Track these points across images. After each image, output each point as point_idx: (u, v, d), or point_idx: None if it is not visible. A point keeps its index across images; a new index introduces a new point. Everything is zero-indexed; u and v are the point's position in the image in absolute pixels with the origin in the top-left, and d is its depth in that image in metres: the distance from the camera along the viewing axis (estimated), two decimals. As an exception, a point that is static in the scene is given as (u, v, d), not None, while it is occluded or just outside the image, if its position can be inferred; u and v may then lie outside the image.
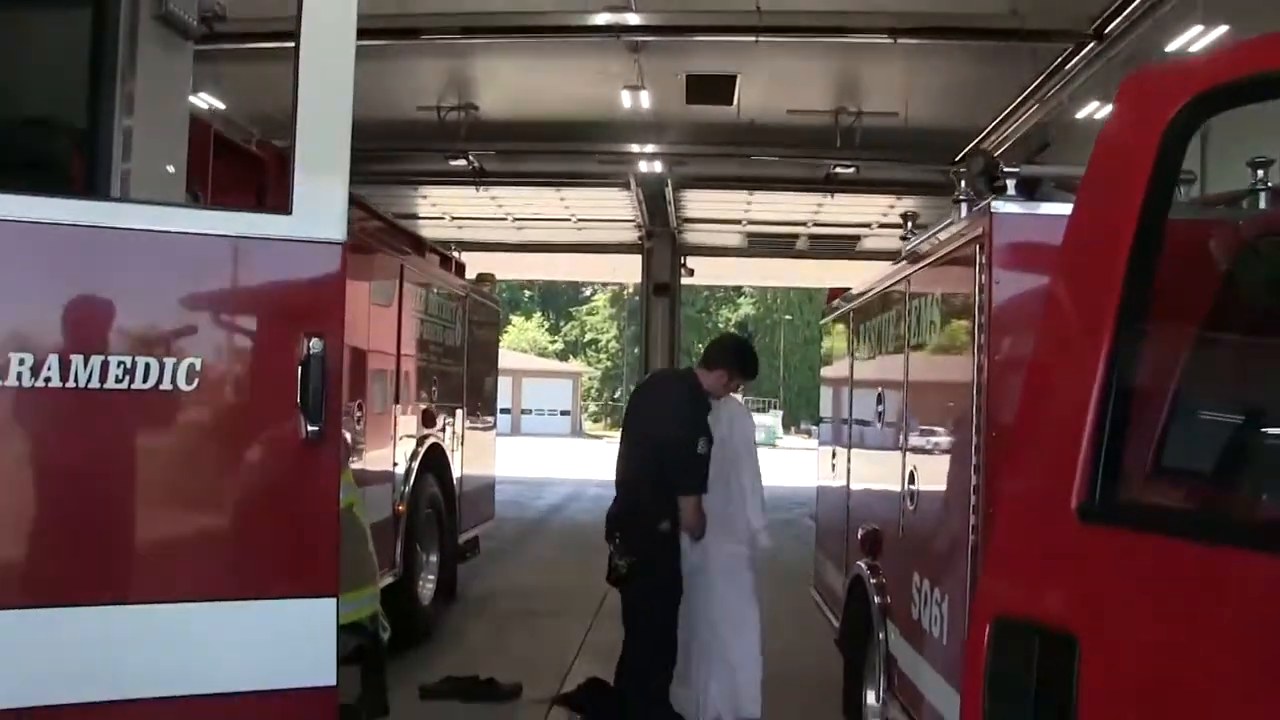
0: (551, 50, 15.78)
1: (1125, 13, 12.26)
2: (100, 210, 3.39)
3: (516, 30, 14.63)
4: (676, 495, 6.41)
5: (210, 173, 5.86)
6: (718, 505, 6.66)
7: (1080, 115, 14.84)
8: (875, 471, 6.48)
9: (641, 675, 6.47)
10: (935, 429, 5.12)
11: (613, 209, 25.14)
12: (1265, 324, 2.67)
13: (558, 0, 13.75)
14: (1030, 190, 4.29)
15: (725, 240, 28.48)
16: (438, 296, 10.34)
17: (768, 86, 16.73)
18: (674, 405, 6.65)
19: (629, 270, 30.48)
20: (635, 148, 19.77)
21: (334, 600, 3.57)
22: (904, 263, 5.87)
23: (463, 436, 11.05)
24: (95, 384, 3.21)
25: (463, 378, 11.08)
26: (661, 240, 26.44)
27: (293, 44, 3.45)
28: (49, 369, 3.15)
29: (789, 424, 67.35)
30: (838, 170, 19.90)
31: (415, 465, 9.24)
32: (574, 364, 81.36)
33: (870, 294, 6.84)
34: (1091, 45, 13.02)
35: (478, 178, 21.13)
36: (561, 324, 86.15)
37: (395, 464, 8.85)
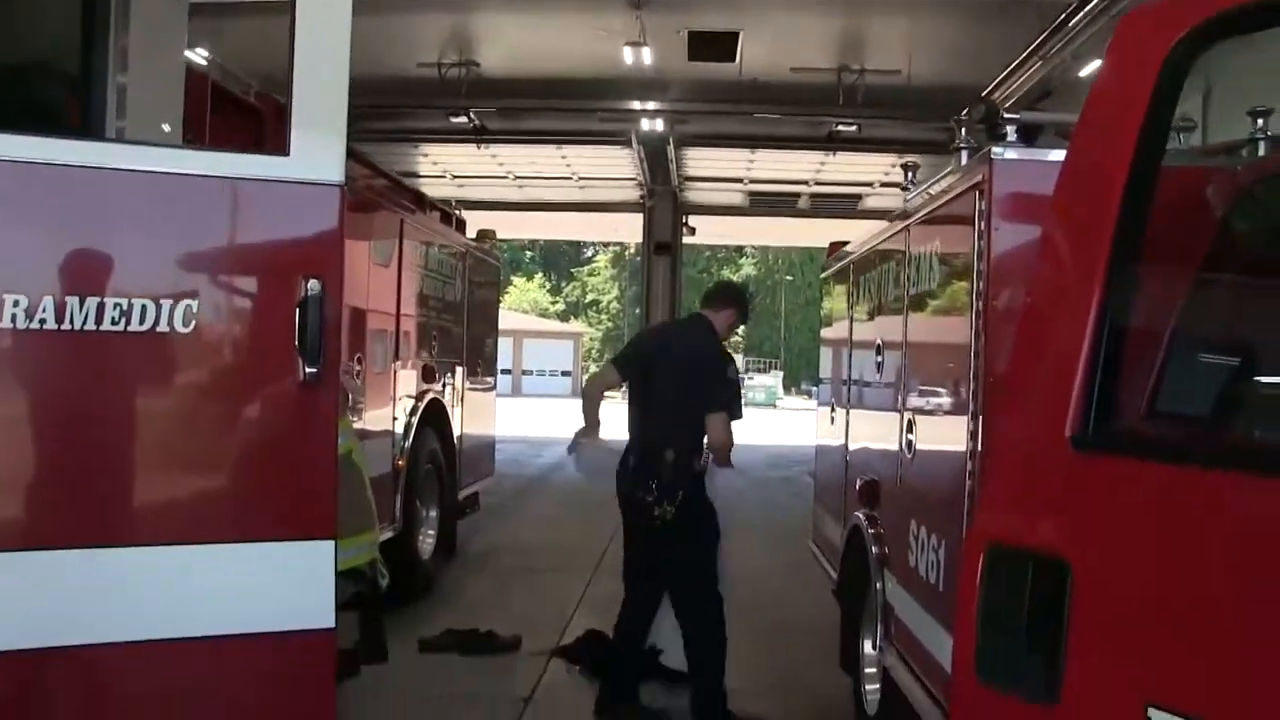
0: (553, 6, 15.68)
1: (1129, -31, 12.17)
2: (96, 151, 3.38)
3: (518, -15, 14.54)
4: (707, 414, 6.34)
5: (208, 124, 5.83)
6: None
7: (1084, 73, 14.74)
8: (874, 420, 6.49)
9: (705, 622, 6.37)
10: (934, 377, 5.13)
11: (614, 167, 25.05)
12: (1260, 267, 2.69)
13: (559, -45, 13.66)
14: (1031, 137, 4.28)
15: (727, 199, 28.39)
16: (438, 252, 10.33)
17: (770, 44, 16.61)
18: (701, 340, 6.71)
19: (630, 229, 30.40)
20: (637, 105, 19.66)
21: (333, 543, 3.59)
22: (904, 211, 5.86)
23: (463, 392, 11.06)
24: (91, 326, 3.21)
25: (463, 334, 11.09)
26: (663, 199, 26.35)
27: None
28: (44, 311, 3.15)
29: (789, 385, 67.46)
30: (840, 128, 19.80)
31: (415, 420, 9.25)
32: (575, 325, 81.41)
33: (871, 244, 6.83)
34: (1094, 2, 12.92)
35: (479, 135, 21.02)
36: (563, 285, 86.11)
37: (395, 418, 8.87)
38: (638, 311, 30.80)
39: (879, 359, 6.30)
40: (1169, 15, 2.15)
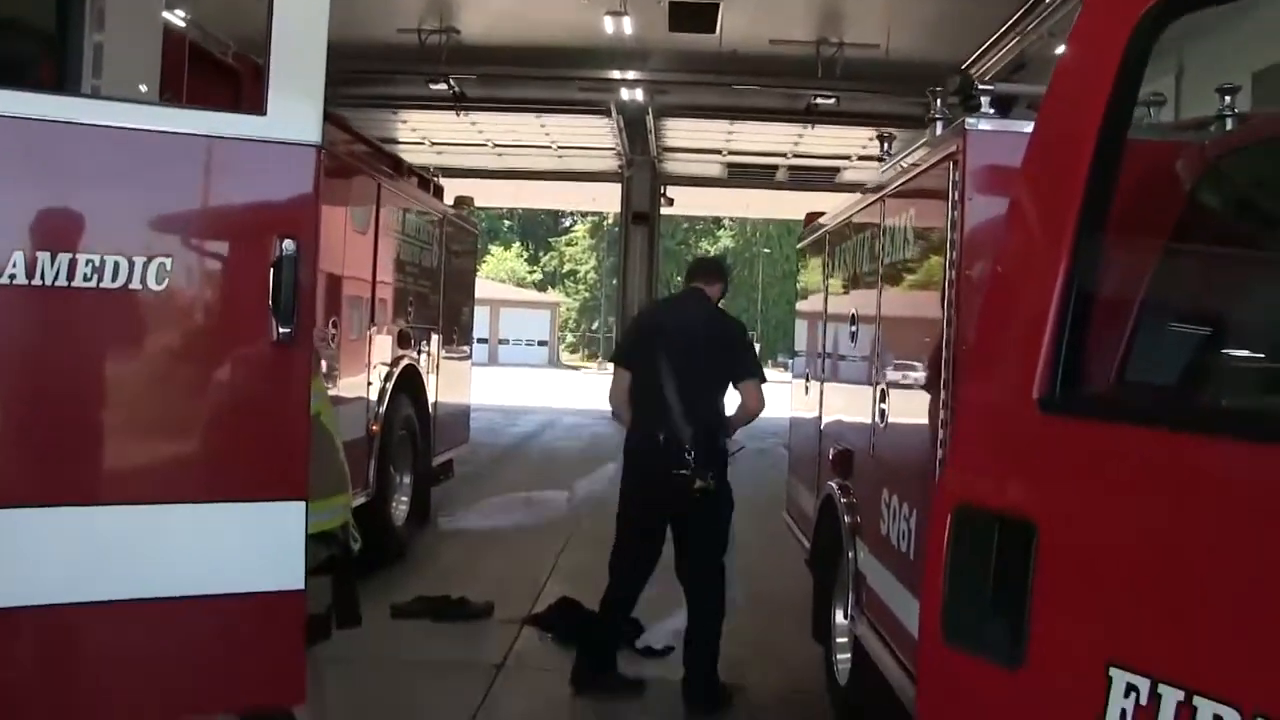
0: (534, -27, 15.64)
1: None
2: (71, 106, 3.34)
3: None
4: (741, 383, 6.41)
5: (185, 84, 5.79)
6: None
7: (1060, 49, 14.75)
8: (848, 391, 6.53)
9: (713, 592, 6.41)
10: (907, 348, 5.15)
11: (593, 137, 25.02)
12: (1225, 239, 2.73)
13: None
14: (1005, 109, 4.29)
15: (705, 170, 28.39)
16: (415, 218, 10.30)
17: (750, 15, 16.59)
18: (713, 312, 6.76)
19: (608, 199, 30.38)
20: (617, 75, 19.63)
21: (303, 504, 3.57)
22: (879, 184, 5.88)
23: (438, 359, 11.05)
24: (63, 282, 3.18)
25: (439, 300, 11.06)
26: (641, 169, 26.34)
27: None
28: (14, 266, 3.12)
29: (766, 358, 67.47)
30: (818, 101, 19.84)
31: (389, 386, 9.25)
32: (552, 295, 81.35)
33: (846, 215, 6.85)
34: (1072, -22, 12.95)
35: (458, 103, 20.93)
36: (540, 255, 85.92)
37: (370, 384, 8.86)
38: (615, 282, 30.78)
39: (853, 329, 6.32)
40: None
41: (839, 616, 6.31)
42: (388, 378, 9.26)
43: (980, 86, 4.29)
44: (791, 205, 30.21)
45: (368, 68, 18.19)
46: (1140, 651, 1.75)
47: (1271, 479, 1.67)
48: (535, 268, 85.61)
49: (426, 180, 11.14)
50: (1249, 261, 2.60)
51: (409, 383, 9.89)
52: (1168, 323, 2.38)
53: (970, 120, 4.17)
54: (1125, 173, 2.43)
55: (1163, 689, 1.68)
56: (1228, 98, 4.26)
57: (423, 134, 24.87)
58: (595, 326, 79.01)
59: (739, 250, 75.02)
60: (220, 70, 6.82)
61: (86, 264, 3.22)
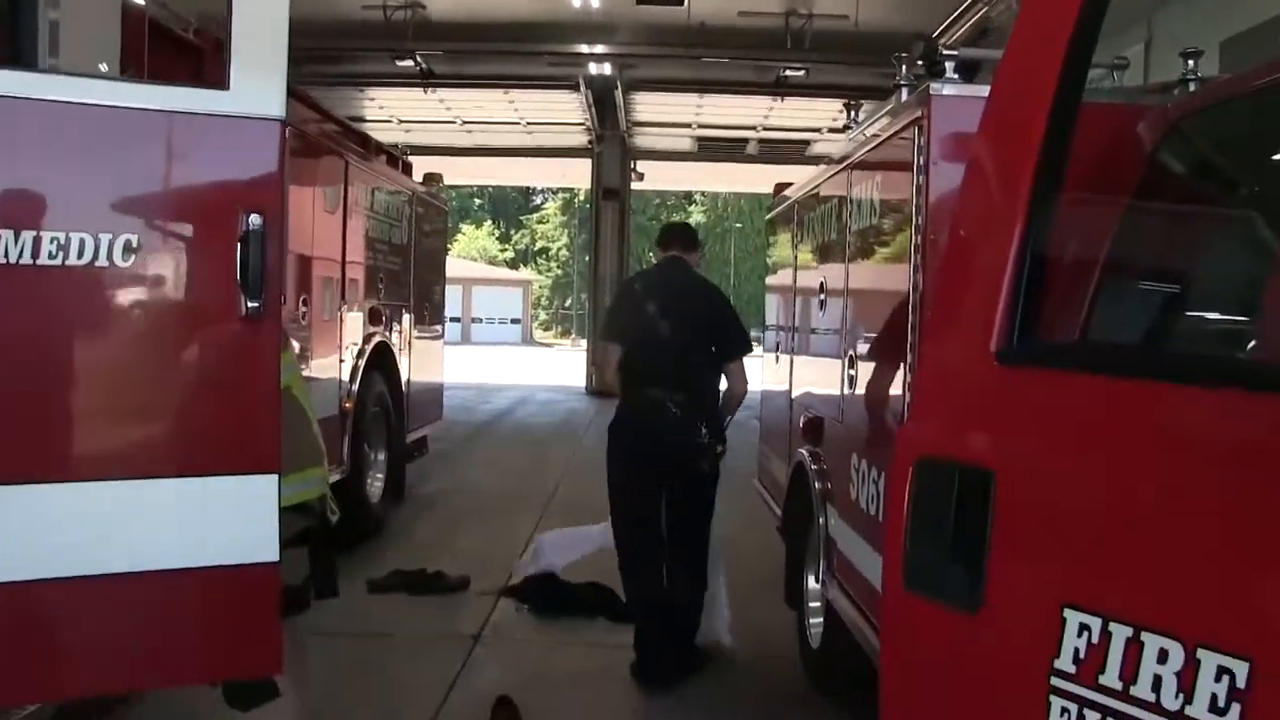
0: (499, -53, 15.56)
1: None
2: (32, 82, 3.33)
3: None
4: (729, 362, 6.44)
5: (145, 62, 5.75)
6: None
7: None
8: (817, 358, 6.57)
9: (702, 561, 6.45)
10: (875, 313, 5.19)
11: (562, 112, 24.92)
12: (1185, 197, 2.80)
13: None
14: (970, 74, 4.32)
15: (675, 144, 28.34)
16: (385, 195, 10.28)
17: (719, -13, 16.59)
18: (699, 280, 6.83)
19: (579, 174, 30.33)
20: (585, 49, 19.58)
21: (276, 477, 3.59)
22: (846, 151, 5.91)
23: (410, 336, 11.05)
24: (28, 260, 3.18)
25: (410, 277, 11.06)
26: (611, 144, 26.29)
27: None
28: (-22, 245, 3.13)
29: (739, 332, 67.43)
30: (788, 73, 19.84)
31: (362, 363, 9.25)
32: (524, 272, 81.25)
33: (814, 183, 6.89)
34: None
35: (425, 79, 20.83)
36: (512, 233, 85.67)
37: (342, 362, 8.86)
38: (587, 259, 30.75)
39: (821, 298, 6.37)
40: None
41: (811, 582, 6.37)
42: (360, 355, 9.26)
43: (945, 52, 4.32)
44: (762, 179, 30.15)
45: (333, 45, 18.09)
46: (1092, 592, 1.81)
47: (1211, 424, 1.74)
48: (507, 246, 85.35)
49: (395, 157, 11.12)
50: (1206, 219, 2.66)
51: (381, 360, 9.89)
52: (1123, 278, 2.44)
53: (935, 85, 4.19)
54: (1089, 134, 2.48)
55: (1113, 627, 1.74)
56: (1190, 61, 4.32)
57: (390, 112, 24.75)
58: (568, 303, 78.94)
59: (711, 225, 74.91)
60: (181, 47, 6.77)
61: (51, 242, 3.22)
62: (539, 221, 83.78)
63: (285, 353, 4.05)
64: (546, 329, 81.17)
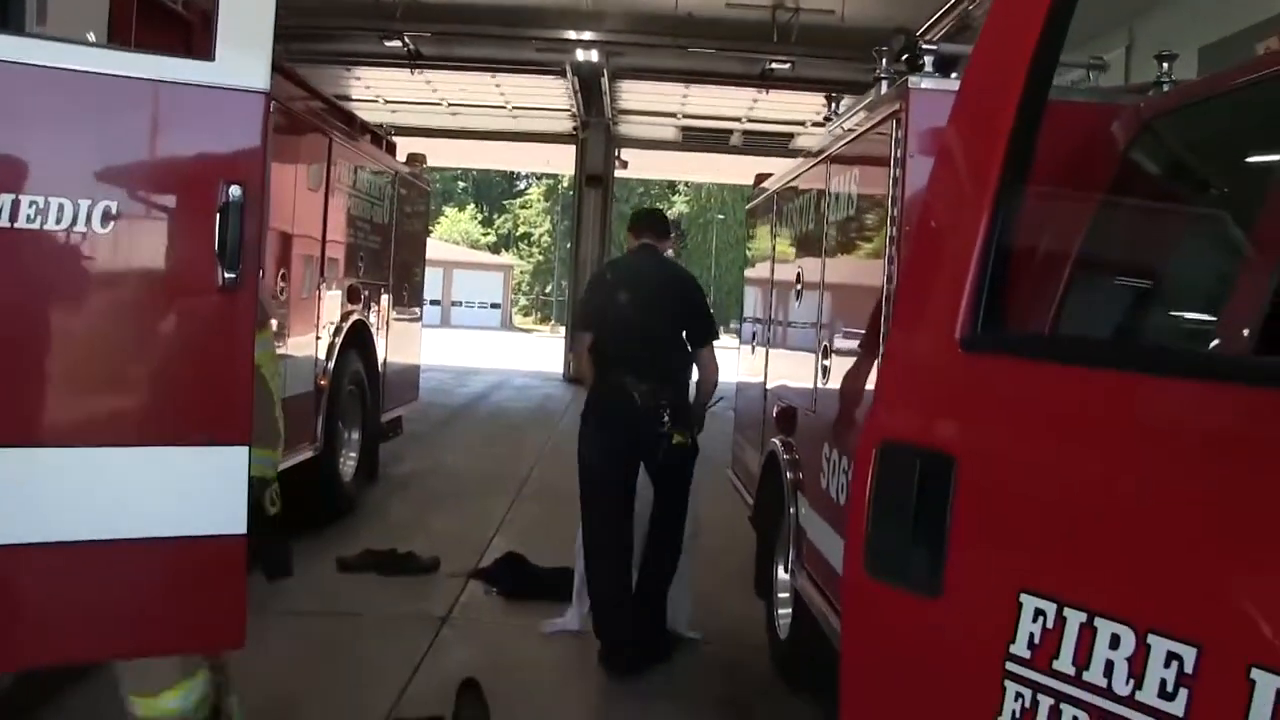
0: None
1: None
2: (17, 46, 3.32)
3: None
4: (699, 348, 6.49)
5: (133, 33, 5.74)
6: None
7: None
8: (792, 349, 6.61)
9: (677, 549, 6.49)
10: (850, 302, 5.22)
11: (548, 98, 24.88)
12: (1156, 195, 2.84)
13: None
14: (948, 69, 4.35)
15: (660, 133, 28.32)
16: (368, 174, 10.26)
17: (707, -23, 16.59)
18: (672, 268, 6.89)
19: (563, 161, 30.25)
20: (573, 35, 19.55)
21: (246, 449, 3.60)
22: (826, 139, 5.94)
23: (388, 316, 11.04)
24: (5, 223, 3.18)
25: (390, 257, 11.04)
26: (596, 131, 26.26)
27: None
28: (-44, 206, 3.12)
29: (719, 322, 67.55)
30: (774, 66, 19.84)
31: (338, 341, 9.23)
32: (506, 257, 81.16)
33: (793, 174, 6.92)
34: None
35: (412, 61, 20.77)
36: (494, 217, 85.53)
37: (318, 339, 8.85)
38: (569, 245, 30.71)
39: (798, 288, 6.40)
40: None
41: (780, 571, 6.41)
42: (337, 333, 9.24)
43: (924, 46, 4.35)
44: (746, 170, 30.07)
45: (322, 23, 18.01)
46: (1048, 578, 1.84)
47: (1168, 414, 1.77)
48: (489, 230, 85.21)
49: (379, 137, 11.09)
50: (1175, 215, 2.70)
51: (359, 339, 9.88)
52: (1092, 270, 2.47)
53: (913, 79, 4.22)
54: (1065, 131, 2.51)
55: (1068, 612, 1.77)
56: (1165, 64, 4.39)
57: (377, 92, 24.67)
58: (549, 290, 78.96)
59: (693, 215, 74.95)
60: (170, 19, 6.75)
61: (30, 205, 3.21)
62: (522, 206, 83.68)
63: (263, 331, 4.05)
64: (526, 314, 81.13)
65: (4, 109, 3.27)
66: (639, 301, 6.38)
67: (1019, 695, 1.85)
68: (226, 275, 3.44)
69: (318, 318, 8.80)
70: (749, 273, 9.16)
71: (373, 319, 10.41)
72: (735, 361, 8.97)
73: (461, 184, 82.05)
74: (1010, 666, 1.86)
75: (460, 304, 69.77)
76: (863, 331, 4.84)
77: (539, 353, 37.67)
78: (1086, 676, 1.74)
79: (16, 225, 3.19)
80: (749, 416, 8.23)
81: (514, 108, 26.07)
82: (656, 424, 6.17)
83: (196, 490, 3.55)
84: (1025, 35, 2.11)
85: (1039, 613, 1.81)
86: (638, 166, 30.33)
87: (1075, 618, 1.76)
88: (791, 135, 26.17)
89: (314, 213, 8.67)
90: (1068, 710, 1.76)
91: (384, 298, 10.90)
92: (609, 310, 6.45)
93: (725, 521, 8.20)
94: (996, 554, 1.98)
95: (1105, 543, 1.78)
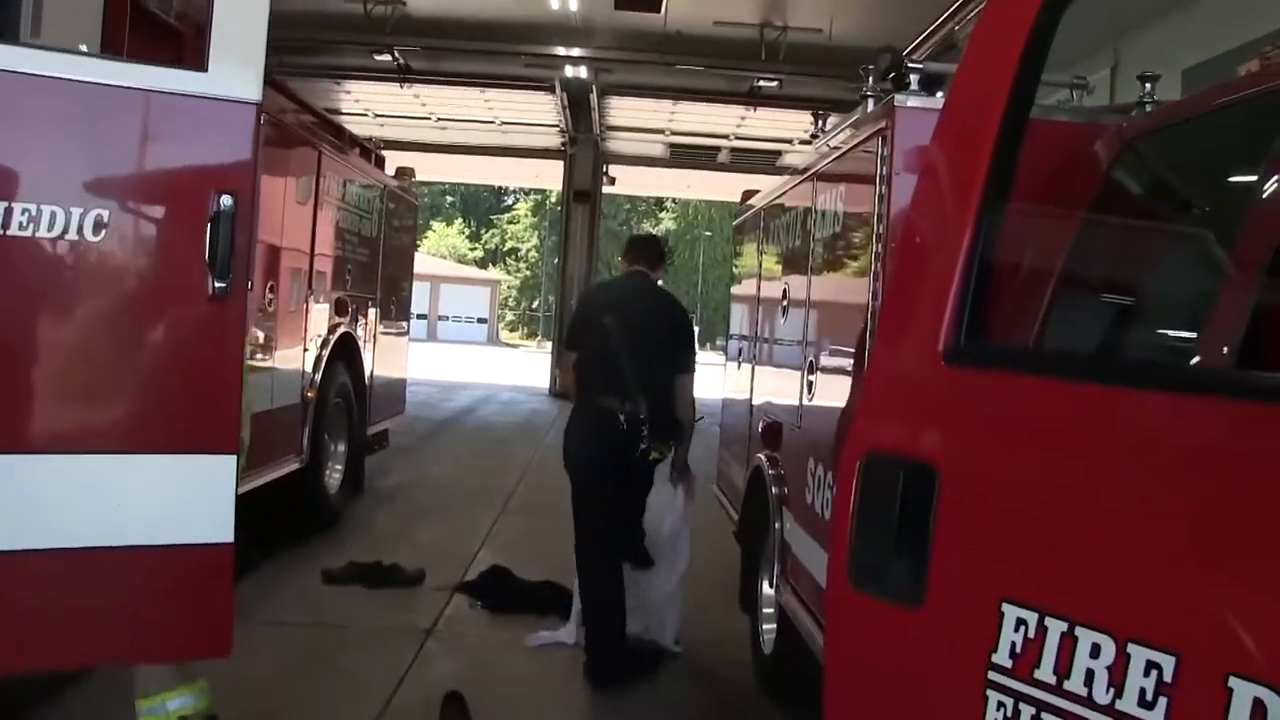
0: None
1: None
2: (10, 54, 3.34)
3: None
4: (684, 374, 6.56)
5: (126, 43, 5.76)
6: None
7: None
8: (778, 364, 6.64)
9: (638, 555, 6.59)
10: (836, 318, 5.25)
11: (537, 113, 24.95)
12: (1137, 213, 2.88)
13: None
14: (934, 87, 4.39)
15: (648, 150, 28.41)
16: (356, 187, 10.27)
17: (696, -5, 16.68)
18: (661, 296, 6.94)
19: (551, 176, 30.34)
20: (562, 51, 19.64)
21: (234, 458, 3.62)
22: (813, 156, 5.98)
23: (375, 329, 11.04)
24: (-2, 230, 3.20)
25: (378, 270, 11.05)
26: (584, 147, 26.31)
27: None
28: (-51, 213, 3.14)
29: (705, 340, 67.85)
30: (761, 84, 19.95)
31: (325, 353, 9.22)
32: (493, 272, 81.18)
33: (779, 191, 6.97)
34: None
35: (402, 75, 20.83)
36: (482, 232, 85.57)
37: (306, 350, 8.84)
38: (556, 261, 30.76)
39: (784, 304, 6.43)
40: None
41: (765, 587, 6.42)
42: (324, 345, 9.24)
43: (910, 65, 4.39)
44: (733, 187, 30.15)
45: (312, 37, 18.06)
46: (1030, 588, 1.86)
47: (1146, 426, 1.81)
48: (476, 245, 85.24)
49: (368, 150, 11.11)
50: (1156, 232, 2.74)
51: (346, 351, 9.87)
52: (1074, 285, 2.51)
53: (899, 97, 4.26)
54: (1049, 150, 2.55)
55: (1049, 622, 1.80)
56: (1148, 85, 4.45)
57: (366, 105, 24.70)
58: (535, 305, 78.99)
59: (681, 232, 75.09)
60: (162, 30, 6.78)
61: (23, 212, 3.24)
62: (509, 222, 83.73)
63: None
64: (513, 330, 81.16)
65: (1, 117, 3.29)
66: (625, 323, 6.44)
67: (1000, 704, 1.87)
68: (217, 284, 3.47)
69: (305, 330, 8.79)
70: (735, 289, 9.20)
71: (360, 332, 10.41)
72: (721, 378, 8.99)
73: (449, 199, 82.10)
74: (992, 676, 1.88)
75: (447, 318, 69.75)
76: (848, 347, 4.87)
77: (525, 368, 37.66)
78: (1067, 685, 1.76)
79: (9, 233, 3.22)
80: (734, 432, 8.25)
81: (503, 123, 26.13)
82: (637, 440, 6.26)
83: (185, 498, 3.58)
84: (1008, 55, 2.15)
85: (1020, 622, 1.84)
86: (625, 183, 30.44)
87: (1056, 627, 1.78)
88: (779, 153, 26.27)
89: (302, 225, 8.68)
90: (1048, 719, 1.79)
91: (371, 311, 10.90)
92: (595, 333, 6.52)
93: (710, 536, 8.22)
94: (979, 564, 2.01)
95: (1086, 553, 1.80)
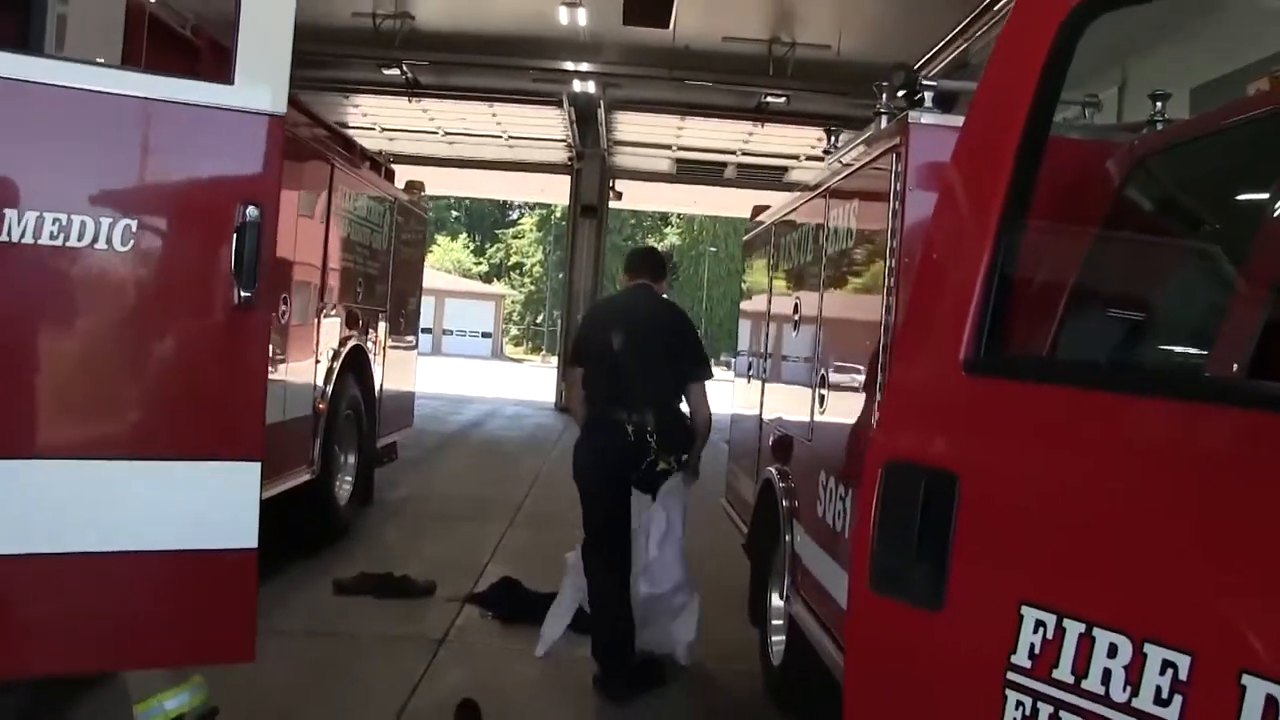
0: (489, -39, 15.67)
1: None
2: (40, 66, 3.41)
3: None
4: (694, 382, 6.60)
5: (144, 56, 5.82)
6: None
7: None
8: (789, 379, 6.68)
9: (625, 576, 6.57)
10: (848, 333, 5.29)
11: (544, 128, 25.02)
12: (1149, 228, 2.94)
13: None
14: (948, 105, 4.44)
15: (655, 165, 28.47)
16: (368, 201, 10.33)
17: (704, 11, 16.72)
18: (666, 307, 6.99)
19: (557, 191, 30.39)
20: (570, 66, 19.72)
21: (258, 465, 3.67)
22: (825, 172, 6.03)
23: (385, 342, 11.09)
24: (29, 239, 3.26)
25: (388, 283, 11.10)
26: (591, 162, 26.38)
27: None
28: (-17, 222, 3.19)
29: (711, 355, 67.59)
30: (769, 100, 20.01)
31: (336, 366, 9.27)
32: (498, 287, 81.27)
33: (790, 207, 7.02)
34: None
35: (410, 89, 20.92)
36: (487, 246, 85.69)
37: (317, 363, 8.90)
38: (561, 276, 30.80)
39: (795, 319, 6.48)
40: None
41: (775, 599, 6.46)
42: (335, 358, 9.29)
43: (924, 82, 4.44)
44: (739, 203, 30.24)
45: (321, 51, 18.13)
46: (1048, 590, 1.92)
47: (1160, 434, 1.87)
48: (482, 259, 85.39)
49: (379, 164, 11.18)
50: (1167, 248, 2.80)
51: (356, 364, 9.93)
52: (1089, 298, 2.56)
53: (913, 114, 4.30)
54: (1063, 167, 2.61)
55: (1067, 623, 1.85)
56: (1159, 103, 4.49)
57: (374, 119, 24.79)
58: (540, 320, 79.09)
59: (686, 248, 75.18)
60: (178, 43, 6.84)
61: (53, 222, 3.29)
62: (515, 236, 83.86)
63: None
64: (517, 344, 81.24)
65: (33, 129, 3.36)
66: (631, 341, 6.52)
67: (1019, 704, 1.92)
68: (242, 294, 3.54)
69: (317, 343, 8.84)
70: (744, 305, 9.25)
71: (370, 345, 10.46)
72: (730, 394, 9.04)
73: (454, 213, 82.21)
74: (1011, 676, 1.94)
75: (452, 332, 69.82)
76: (861, 363, 4.91)
77: (530, 382, 37.73)
78: (1085, 685, 1.81)
79: (40, 242, 3.28)
80: (743, 446, 8.29)
81: (510, 137, 26.21)
82: (645, 453, 6.34)
83: (210, 504, 3.63)
84: (1026, 78, 2.21)
85: (1039, 624, 1.89)
86: (632, 198, 30.49)
87: (1074, 628, 1.84)
88: (786, 169, 26.33)
89: (315, 238, 8.74)
90: (1066, 718, 1.84)
91: (381, 324, 10.95)
92: (601, 348, 6.60)
93: (719, 549, 8.26)
94: (998, 568, 2.06)
95: (1102, 556, 1.86)
